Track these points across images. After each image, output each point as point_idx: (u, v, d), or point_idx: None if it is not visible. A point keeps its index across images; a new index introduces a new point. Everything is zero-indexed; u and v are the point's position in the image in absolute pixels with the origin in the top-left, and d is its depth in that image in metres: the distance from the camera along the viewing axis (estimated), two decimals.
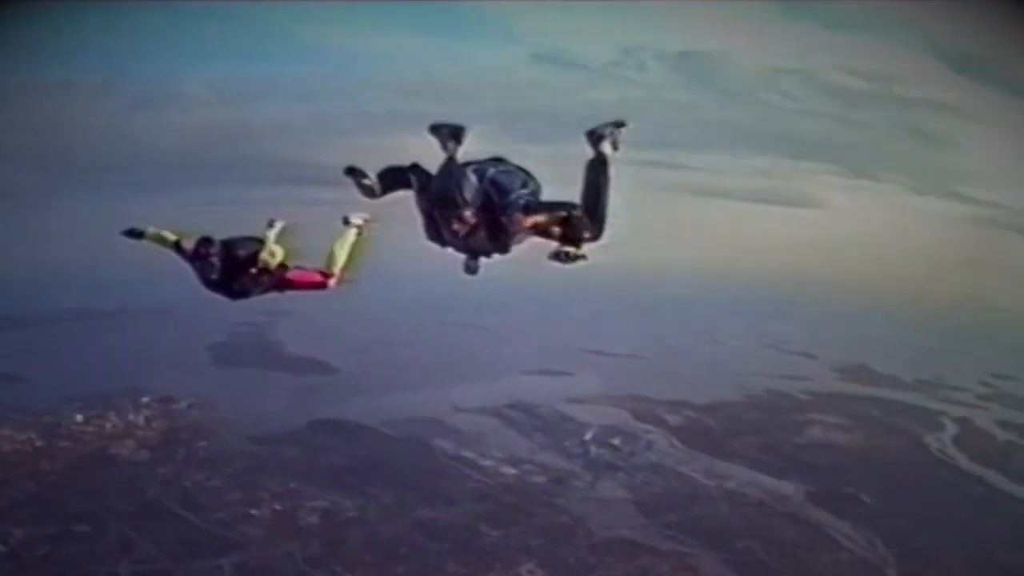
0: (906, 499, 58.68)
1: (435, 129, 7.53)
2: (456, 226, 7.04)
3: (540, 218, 7.31)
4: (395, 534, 48.81)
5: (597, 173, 7.50)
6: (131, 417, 61.22)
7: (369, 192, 7.83)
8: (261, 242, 9.73)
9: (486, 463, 60.19)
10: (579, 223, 7.37)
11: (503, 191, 7.32)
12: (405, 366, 79.12)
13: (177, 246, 9.65)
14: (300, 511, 50.71)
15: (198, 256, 9.40)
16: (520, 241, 7.53)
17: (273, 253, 9.54)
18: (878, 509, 56.92)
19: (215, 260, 9.42)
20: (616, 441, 65.85)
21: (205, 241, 9.44)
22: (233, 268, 9.55)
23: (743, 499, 57.28)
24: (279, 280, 9.86)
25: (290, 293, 10.14)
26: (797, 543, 51.81)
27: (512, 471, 59.26)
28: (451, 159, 7.25)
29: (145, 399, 63.70)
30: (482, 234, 7.27)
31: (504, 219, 7.21)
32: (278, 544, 47.26)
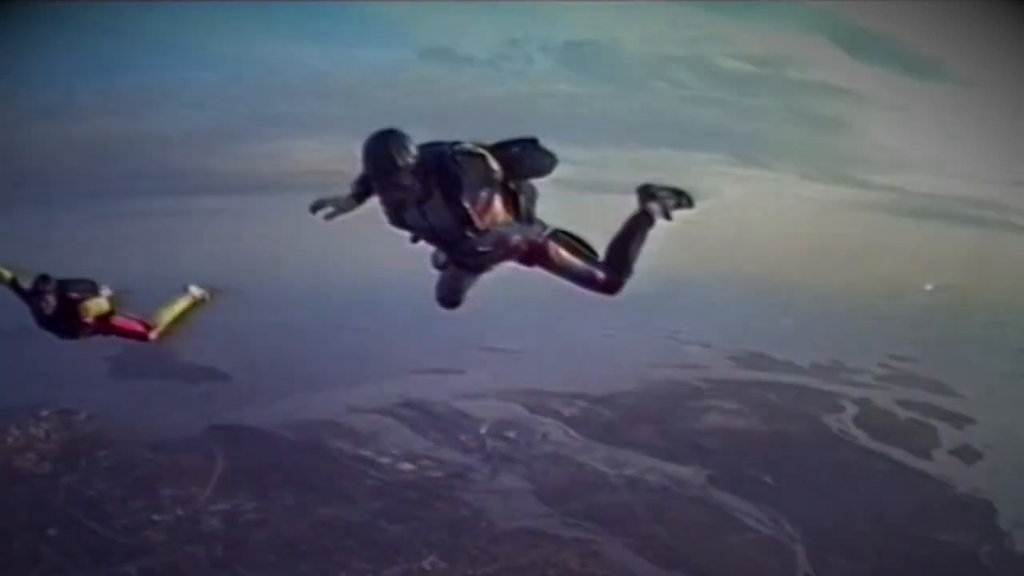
0: (809, 478, 63.44)
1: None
2: (392, 196, 6.95)
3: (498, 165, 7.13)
4: (297, 534, 51.74)
5: (636, 226, 7.98)
6: (32, 430, 63.00)
7: (342, 212, 7.53)
8: (94, 285, 10.58)
9: (383, 461, 63.66)
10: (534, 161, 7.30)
11: (451, 153, 7.08)
12: (299, 371, 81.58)
13: (13, 284, 10.31)
14: (202, 515, 53.41)
15: (36, 293, 10.19)
16: (489, 212, 7.38)
17: (88, 309, 10.41)
18: (781, 489, 61.49)
19: (51, 298, 10.18)
20: (512, 434, 69.85)
21: (43, 279, 10.27)
22: (65, 308, 10.30)
23: (644, 485, 61.17)
24: (102, 326, 10.77)
25: None
26: (702, 525, 55.94)
27: (410, 467, 62.83)
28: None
29: (45, 412, 65.62)
30: (439, 199, 7.07)
31: (454, 172, 6.98)
32: (182, 548, 49.80)
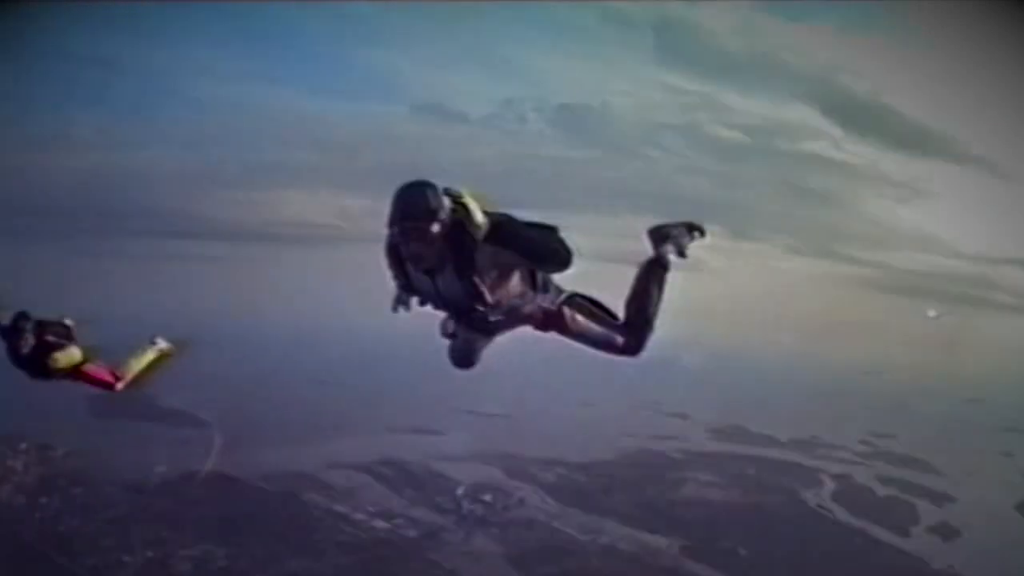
0: (785, 552, 64.09)
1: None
2: (418, 246, 6.59)
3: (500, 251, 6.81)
4: None
5: (650, 277, 7.63)
6: (9, 462, 63.59)
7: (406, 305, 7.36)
8: (68, 330, 10.63)
9: (358, 517, 64.31)
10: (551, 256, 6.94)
11: (456, 223, 6.69)
12: (278, 422, 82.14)
13: None
14: (172, 559, 54.24)
15: (14, 330, 10.18)
16: (503, 290, 7.05)
17: (57, 360, 10.40)
18: (756, 562, 62.28)
19: (29, 337, 10.18)
20: (488, 497, 70.41)
21: (22, 316, 10.26)
22: (41, 350, 10.33)
23: (617, 553, 61.84)
24: (72, 372, 10.78)
25: None
26: None
27: (384, 525, 63.55)
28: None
29: (23, 445, 65.91)
30: (450, 272, 6.80)
31: (470, 250, 6.69)
32: None
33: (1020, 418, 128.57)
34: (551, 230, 7.00)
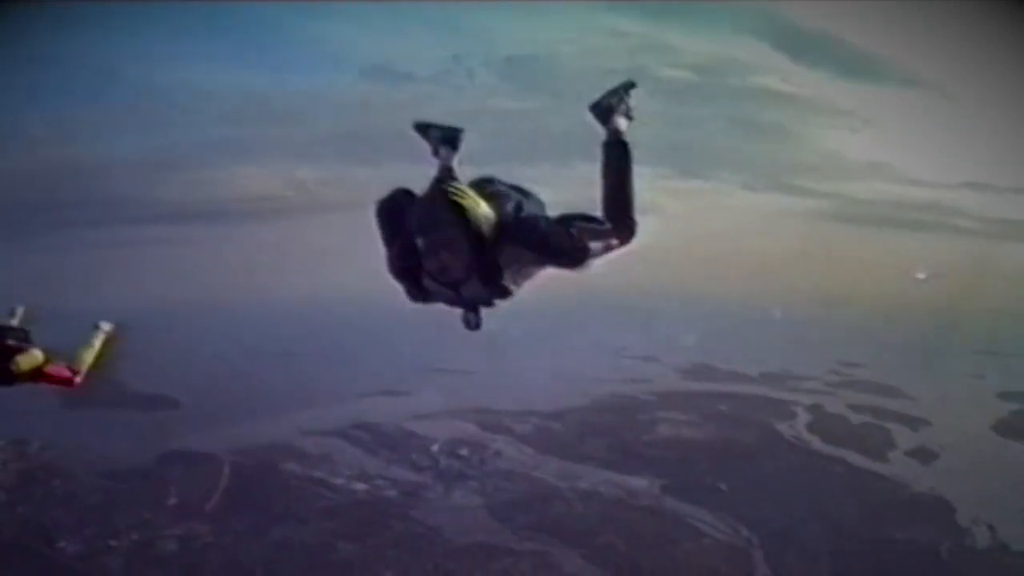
0: (764, 484, 65.15)
1: (422, 129, 7.61)
2: (444, 256, 6.38)
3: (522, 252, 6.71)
4: (252, 556, 52.75)
5: (616, 157, 7.25)
6: None
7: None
8: (27, 333, 10.49)
9: (336, 481, 64.85)
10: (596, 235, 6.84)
11: (481, 226, 6.55)
12: (248, 397, 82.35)
13: None
14: (157, 540, 54.39)
15: None
16: (524, 278, 6.98)
17: (19, 364, 10.26)
18: (736, 496, 63.14)
19: None
20: (464, 452, 71.20)
21: None
22: (2, 354, 10.24)
23: (598, 497, 62.55)
24: (33, 375, 10.54)
25: None
26: (657, 533, 57.29)
27: (363, 487, 64.11)
28: (441, 178, 6.96)
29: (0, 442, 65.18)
30: (477, 287, 6.67)
31: (496, 256, 6.56)
32: (139, 572, 50.52)
33: (989, 341, 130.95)
34: (564, 221, 6.88)
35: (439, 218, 6.31)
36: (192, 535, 55.46)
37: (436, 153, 7.61)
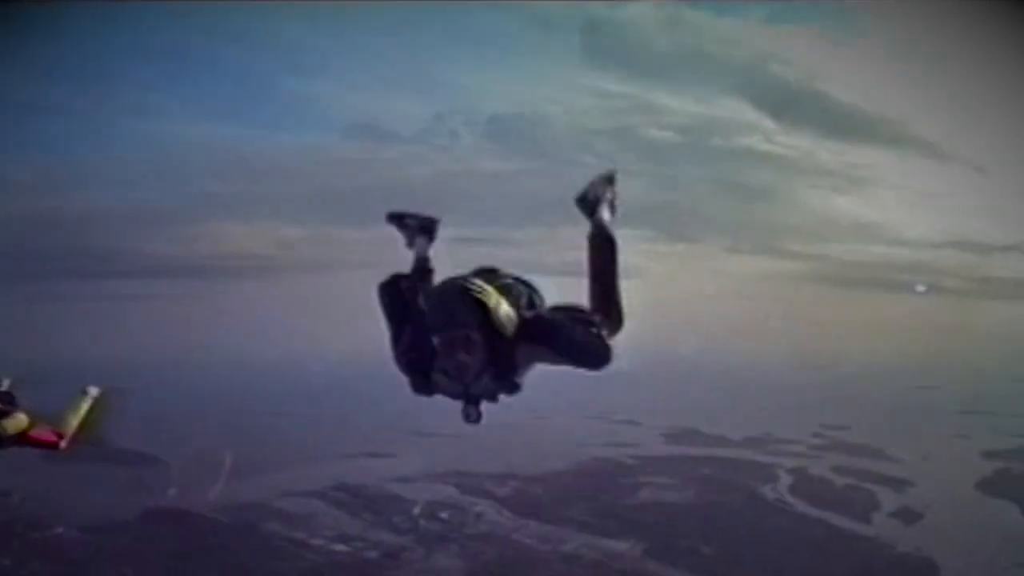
0: (747, 547, 65.38)
1: (396, 219, 7.56)
2: (462, 356, 6.25)
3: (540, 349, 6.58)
4: None
5: (602, 249, 7.14)
6: None
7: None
8: (11, 395, 10.74)
9: (317, 542, 65.07)
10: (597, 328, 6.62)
11: (501, 323, 6.45)
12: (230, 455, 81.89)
13: None
14: None
15: None
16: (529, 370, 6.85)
17: (6, 428, 10.62)
18: (718, 558, 63.47)
19: None
20: (445, 515, 71.43)
21: None
22: None
23: (579, 560, 62.86)
24: (19, 438, 10.99)
25: None
26: None
27: (344, 548, 64.24)
28: (461, 276, 6.69)
29: None
30: (488, 385, 6.53)
31: (511, 355, 6.46)
32: None
33: (973, 401, 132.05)
34: (587, 321, 6.64)
35: (460, 318, 6.23)
36: None
37: (411, 244, 7.56)
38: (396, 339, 6.81)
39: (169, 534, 64.56)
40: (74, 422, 11.42)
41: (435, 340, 6.30)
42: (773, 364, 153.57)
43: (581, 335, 6.50)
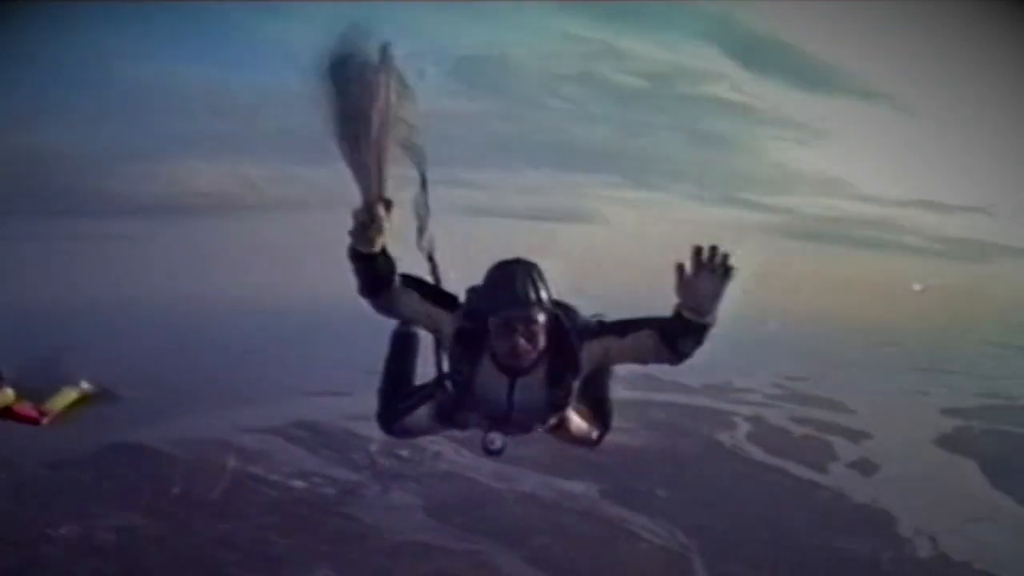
0: (703, 491, 66.57)
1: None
2: (523, 344, 6.39)
3: (612, 342, 6.87)
4: (189, 548, 53.07)
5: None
6: None
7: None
8: (0, 372, 11.30)
9: (274, 478, 65.33)
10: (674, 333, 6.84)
11: (570, 312, 6.80)
12: (189, 392, 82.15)
13: None
14: (96, 531, 54.34)
15: None
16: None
17: None
18: (675, 502, 64.35)
19: None
20: (403, 453, 71.34)
21: None
22: None
23: (535, 500, 63.63)
24: (2, 412, 11.87)
25: None
26: (594, 537, 58.50)
27: (301, 484, 64.68)
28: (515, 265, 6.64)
29: None
30: (538, 387, 6.74)
31: (575, 349, 6.67)
32: (77, 562, 50.87)
33: (933, 359, 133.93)
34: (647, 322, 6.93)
35: (524, 295, 6.41)
36: (130, 527, 55.56)
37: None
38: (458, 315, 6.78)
39: (130, 469, 64.62)
40: (59, 405, 11.91)
41: (492, 320, 6.47)
42: (734, 314, 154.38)
43: (661, 319, 6.92)
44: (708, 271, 6.51)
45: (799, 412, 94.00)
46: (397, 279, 6.63)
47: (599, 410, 8.07)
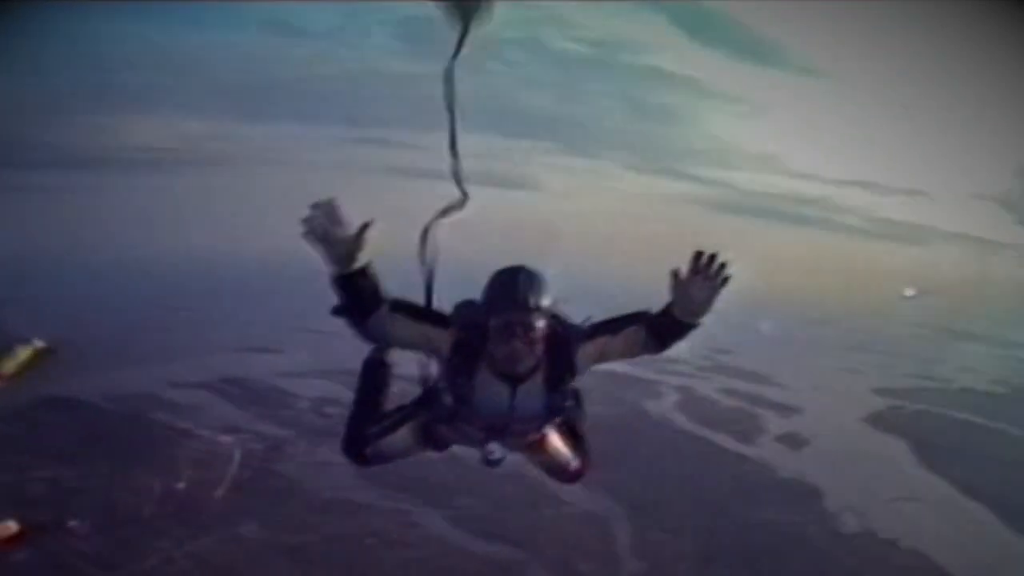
0: (629, 458, 67.22)
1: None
2: (522, 348, 6.46)
3: (606, 342, 7.12)
4: (118, 502, 53.38)
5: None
6: None
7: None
8: None
9: (203, 433, 65.98)
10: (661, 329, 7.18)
11: (562, 318, 6.86)
12: (119, 346, 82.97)
13: None
14: (27, 483, 54.73)
15: None
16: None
17: None
18: (600, 467, 64.08)
19: None
20: (331, 410, 71.81)
21: None
22: None
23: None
24: None
25: None
26: (518, 500, 58.55)
27: (229, 439, 65.36)
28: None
29: None
30: (536, 392, 6.87)
31: (572, 354, 6.88)
32: (6, 513, 50.83)
33: (867, 339, 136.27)
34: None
35: (525, 300, 6.46)
36: (59, 479, 55.95)
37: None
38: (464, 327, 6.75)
39: (63, 423, 64.98)
40: (11, 366, 12.10)
41: (492, 323, 6.47)
42: (664, 287, 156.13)
43: (651, 315, 7.18)
44: (704, 277, 6.85)
45: (728, 384, 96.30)
46: (385, 305, 6.59)
47: (578, 443, 8.21)
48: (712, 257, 6.76)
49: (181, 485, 56.89)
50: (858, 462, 74.65)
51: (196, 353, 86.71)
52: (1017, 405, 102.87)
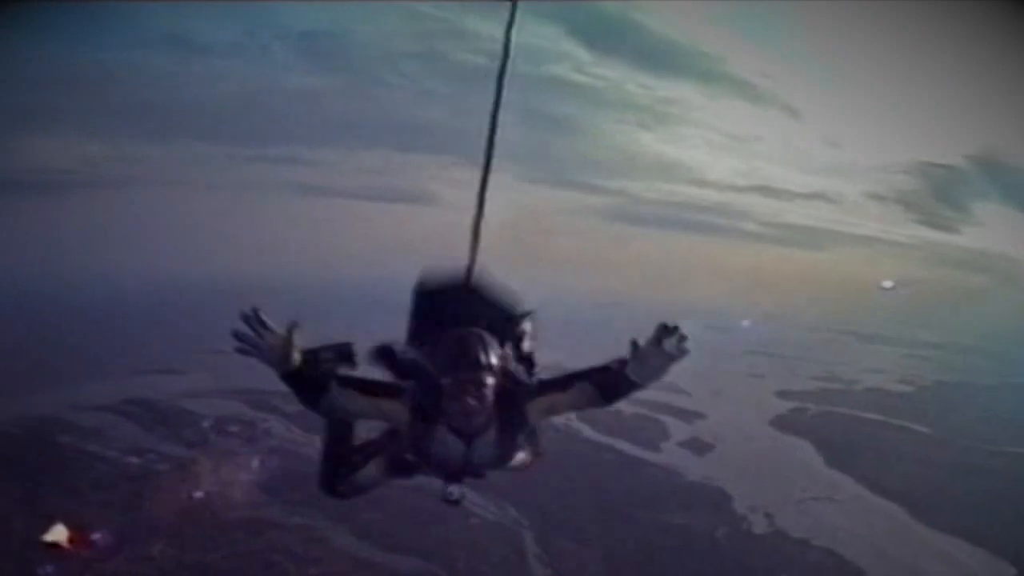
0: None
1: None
2: (474, 404, 6.40)
3: (555, 398, 6.90)
4: (25, 526, 52.99)
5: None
6: None
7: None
8: None
9: (110, 454, 66.30)
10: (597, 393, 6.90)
11: (513, 375, 6.82)
12: (22, 369, 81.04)
13: None
14: None
15: None
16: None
17: None
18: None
19: None
20: (234, 429, 73.80)
21: None
22: None
23: None
24: None
25: None
26: (422, 512, 58.36)
27: (136, 461, 65.75)
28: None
29: None
30: (489, 442, 6.87)
31: (522, 408, 6.77)
32: None
33: (767, 343, 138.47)
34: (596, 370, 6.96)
35: (475, 360, 6.40)
36: None
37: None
38: (421, 382, 6.66)
39: None
40: None
41: (444, 382, 6.38)
42: (565, 297, 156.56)
43: (600, 373, 6.88)
44: (662, 349, 6.59)
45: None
46: (333, 385, 6.52)
47: (531, 438, 7.32)
48: (674, 330, 6.57)
49: (88, 507, 56.28)
50: (765, 464, 76.16)
51: (99, 376, 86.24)
52: (922, 403, 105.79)
